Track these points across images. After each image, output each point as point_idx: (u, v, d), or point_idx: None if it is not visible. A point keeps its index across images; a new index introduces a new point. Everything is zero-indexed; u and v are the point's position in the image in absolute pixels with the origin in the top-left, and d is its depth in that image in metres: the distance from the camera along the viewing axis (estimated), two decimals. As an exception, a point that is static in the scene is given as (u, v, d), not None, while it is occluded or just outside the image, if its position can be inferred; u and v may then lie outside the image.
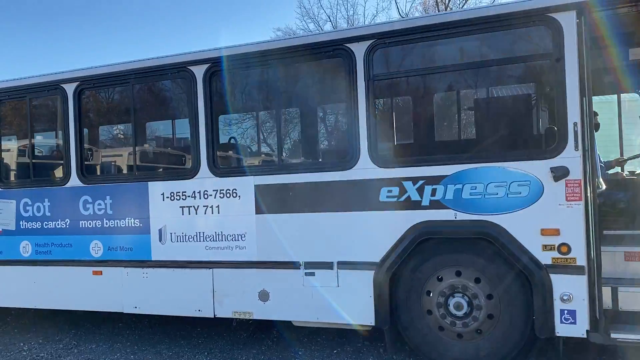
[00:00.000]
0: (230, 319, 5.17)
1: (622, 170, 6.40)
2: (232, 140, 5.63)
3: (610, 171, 5.80)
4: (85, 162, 5.68)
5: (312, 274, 4.70)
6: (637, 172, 6.17)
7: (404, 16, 24.62)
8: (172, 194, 5.21)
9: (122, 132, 6.20)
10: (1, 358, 5.37)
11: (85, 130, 5.89)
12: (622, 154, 6.39)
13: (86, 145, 5.81)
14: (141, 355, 5.24)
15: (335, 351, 5.07)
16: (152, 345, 5.54)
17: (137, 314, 5.49)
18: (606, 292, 4.20)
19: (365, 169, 4.50)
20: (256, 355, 5.05)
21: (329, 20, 28.75)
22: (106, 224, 5.50)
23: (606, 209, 5.50)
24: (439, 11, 23.40)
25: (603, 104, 7.39)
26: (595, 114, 5.80)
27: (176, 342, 5.58)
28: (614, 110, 6.33)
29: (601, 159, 5.73)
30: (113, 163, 5.99)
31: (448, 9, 24.61)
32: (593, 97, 6.69)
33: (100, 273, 5.55)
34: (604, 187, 4.05)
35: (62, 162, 5.71)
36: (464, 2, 26.46)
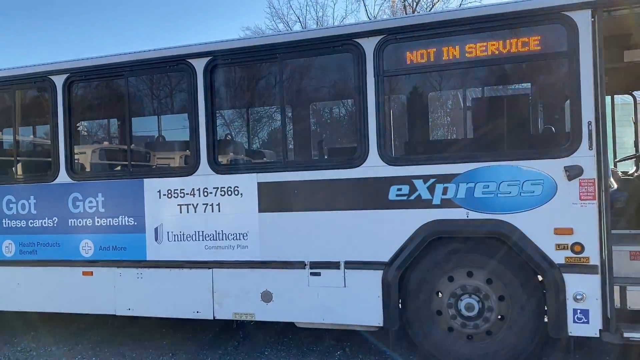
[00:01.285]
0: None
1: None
2: (234, 137, 5.47)
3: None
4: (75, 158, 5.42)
5: (318, 274, 4.59)
6: (630, 172, 6.27)
7: (372, 18, 24.72)
8: (169, 192, 5.02)
9: (115, 127, 5.94)
10: (-47, 363, 5.14)
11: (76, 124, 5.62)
12: (615, 155, 6.48)
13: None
14: (103, 357, 5.10)
15: (302, 351, 5.02)
16: (115, 347, 5.38)
17: (101, 315, 5.36)
18: (615, 291, 4.21)
19: (374, 166, 4.41)
20: (222, 356, 4.97)
21: (298, 20, 28.75)
22: (98, 222, 5.27)
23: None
24: (406, 14, 23.55)
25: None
26: None
27: (140, 344, 5.43)
28: (608, 111, 6.41)
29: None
30: (106, 159, 5.75)
31: (415, 12, 24.86)
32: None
33: (91, 274, 5.31)
34: (615, 186, 4.06)
35: (50, 157, 5.44)
36: (431, 5, 26.84)
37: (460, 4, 24.94)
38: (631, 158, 6.08)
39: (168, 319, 5.13)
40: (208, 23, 43.72)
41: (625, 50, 5.62)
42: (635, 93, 6.37)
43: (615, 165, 6.39)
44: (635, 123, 6.31)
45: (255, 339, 5.38)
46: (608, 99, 6.55)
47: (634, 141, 6.31)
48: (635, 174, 6.12)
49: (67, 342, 5.57)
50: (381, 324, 4.44)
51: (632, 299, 4.17)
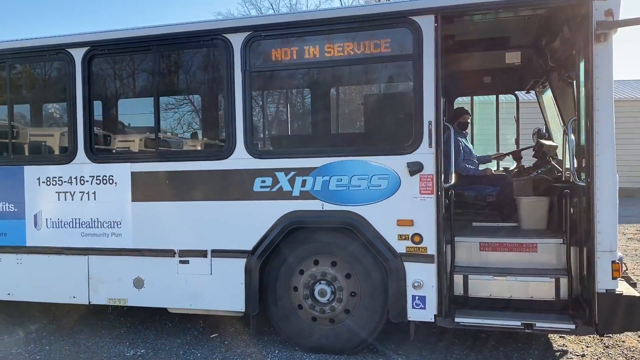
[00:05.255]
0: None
1: (498, 166, 6.86)
2: (110, 126, 5.56)
3: (481, 167, 6.20)
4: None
5: (187, 262, 4.75)
6: (511, 168, 6.64)
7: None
8: (48, 179, 5.10)
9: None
10: None
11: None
12: (498, 151, 6.84)
13: None
14: (57, 346, 5.01)
15: (263, 341, 4.93)
16: (70, 335, 5.29)
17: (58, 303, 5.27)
18: (458, 279, 4.53)
19: (240, 159, 4.58)
20: (180, 345, 4.94)
21: (271, 7, 28.62)
22: (-22, 208, 5.30)
23: (477, 202, 5.90)
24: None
25: (484, 104, 7.87)
26: (467, 112, 6.19)
27: (97, 333, 5.35)
28: (492, 110, 6.76)
29: (474, 152, 6.13)
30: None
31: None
32: (475, 97, 7.18)
33: None
34: (453, 181, 4.35)
35: None
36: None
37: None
38: (503, 155, 6.45)
39: (126, 307, 5.04)
40: (180, 6, 43.33)
41: (507, 52, 5.94)
42: (517, 93, 6.72)
43: (498, 161, 6.76)
44: (517, 121, 6.67)
45: (216, 329, 5.29)
46: (493, 98, 6.93)
47: (515, 139, 6.67)
48: (515, 170, 6.49)
49: (21, 330, 5.46)
50: (243, 310, 4.64)
51: (473, 287, 4.49)
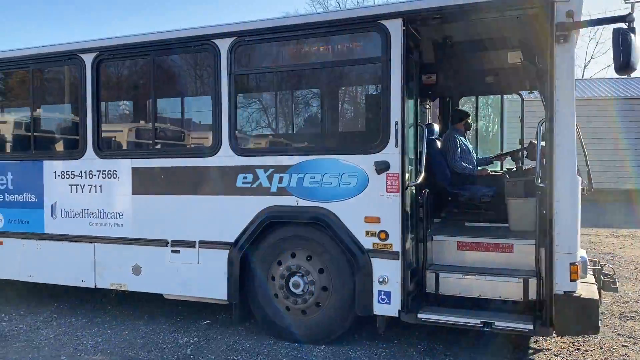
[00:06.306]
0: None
1: (501, 167, 6.79)
2: (115, 124, 6.02)
3: (479, 167, 6.18)
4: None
5: (178, 252, 5.12)
6: (513, 169, 6.56)
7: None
8: (63, 173, 5.62)
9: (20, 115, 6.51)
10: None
11: None
12: (502, 151, 6.77)
13: None
14: (118, 330, 5.33)
15: None
16: (131, 321, 5.60)
17: (118, 291, 5.63)
18: (430, 277, 4.63)
19: (225, 156, 4.88)
20: (232, 335, 5.08)
21: (339, 6, 29.01)
22: (7, 198, 5.92)
23: (472, 202, 5.92)
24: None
25: (489, 104, 7.74)
26: (468, 115, 6.19)
27: (155, 320, 5.61)
28: (497, 110, 6.68)
29: (472, 152, 6.12)
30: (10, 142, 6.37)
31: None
32: (478, 97, 7.13)
33: (1, 243, 5.98)
34: (419, 181, 4.43)
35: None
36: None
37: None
38: (504, 155, 6.37)
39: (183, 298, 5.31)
40: (245, 7, 45.04)
41: (509, 52, 5.91)
42: (522, 92, 6.62)
43: (501, 161, 6.69)
44: (522, 121, 6.57)
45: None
46: (497, 98, 6.85)
47: (520, 138, 6.58)
48: (514, 170, 6.42)
49: (87, 315, 5.84)
50: (226, 299, 4.94)
51: (444, 285, 4.58)
